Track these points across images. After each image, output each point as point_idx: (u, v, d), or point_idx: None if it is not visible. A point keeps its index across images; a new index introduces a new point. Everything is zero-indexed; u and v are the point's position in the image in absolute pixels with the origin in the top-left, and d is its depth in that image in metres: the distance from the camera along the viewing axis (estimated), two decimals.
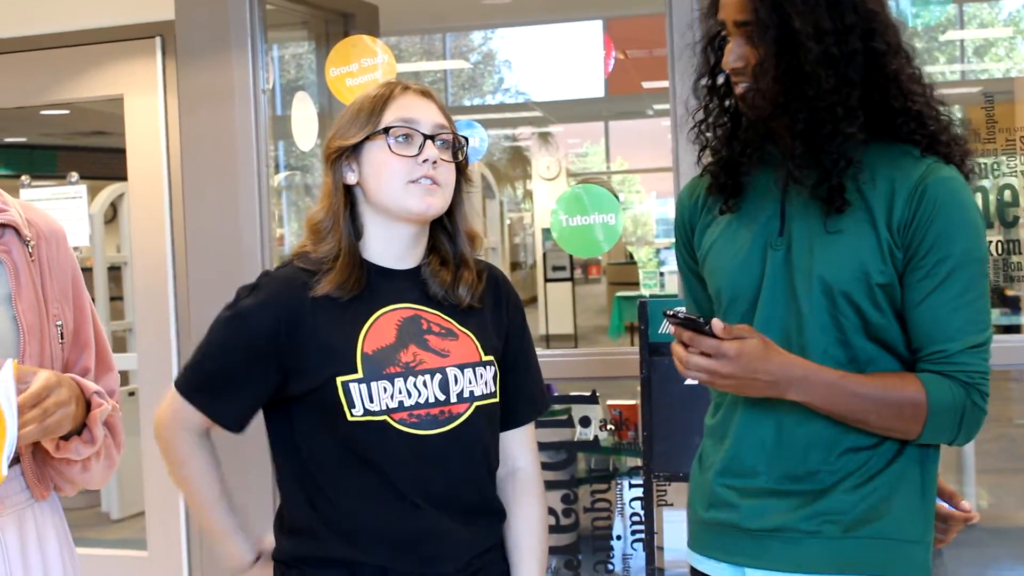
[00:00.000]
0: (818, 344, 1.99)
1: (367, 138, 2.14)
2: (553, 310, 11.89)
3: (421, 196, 2.11)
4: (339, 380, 2.07)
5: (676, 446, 3.60)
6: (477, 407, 2.15)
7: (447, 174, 2.15)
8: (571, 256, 11.67)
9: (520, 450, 2.29)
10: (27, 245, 2.00)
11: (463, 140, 2.20)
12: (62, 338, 2.02)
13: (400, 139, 2.12)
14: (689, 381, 3.49)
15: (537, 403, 2.33)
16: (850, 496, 1.99)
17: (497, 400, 2.21)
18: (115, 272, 7.11)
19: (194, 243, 4.36)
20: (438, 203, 2.14)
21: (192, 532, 4.90)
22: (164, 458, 2.25)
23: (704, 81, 2.15)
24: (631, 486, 4.25)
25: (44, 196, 5.26)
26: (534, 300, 12.09)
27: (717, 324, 1.91)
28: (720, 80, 2.13)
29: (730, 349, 1.90)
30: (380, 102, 2.16)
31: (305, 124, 4.35)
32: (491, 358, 2.20)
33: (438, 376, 2.12)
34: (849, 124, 1.96)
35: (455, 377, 2.13)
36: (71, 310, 2.07)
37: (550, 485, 4.21)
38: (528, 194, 13.04)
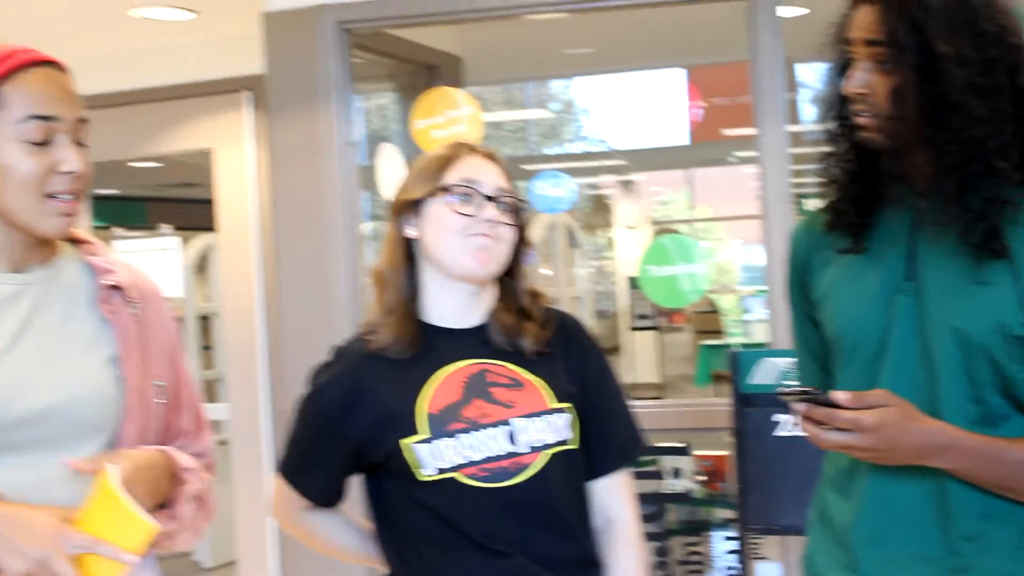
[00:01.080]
0: (951, 400, 1.83)
1: (430, 194, 2.16)
2: (638, 359, 11.79)
3: (475, 254, 2.13)
4: (405, 443, 2.09)
5: (771, 498, 3.54)
6: (551, 455, 2.12)
7: (506, 236, 2.16)
8: (656, 305, 11.60)
9: (612, 499, 2.23)
10: (132, 307, 2.01)
11: (523, 203, 2.21)
12: (162, 399, 2.03)
13: (462, 198, 2.14)
14: (783, 432, 3.47)
15: (627, 449, 2.28)
16: (996, 571, 1.84)
17: (574, 447, 2.17)
18: (205, 322, 7.19)
19: (285, 293, 4.39)
20: (493, 266, 2.15)
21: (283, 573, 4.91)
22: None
23: (831, 113, 1.99)
24: (725, 539, 4.20)
25: (136, 248, 5.34)
26: (618, 349, 12.02)
27: (839, 395, 1.76)
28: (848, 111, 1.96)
29: (868, 422, 1.75)
30: (445, 161, 2.18)
31: (390, 175, 4.38)
32: (564, 405, 2.16)
33: (504, 428, 2.11)
34: (1003, 159, 1.80)
35: (523, 427, 2.11)
36: (170, 371, 2.09)
37: None
38: (610, 242, 13.00)
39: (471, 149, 2.22)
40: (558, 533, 2.14)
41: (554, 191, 4.30)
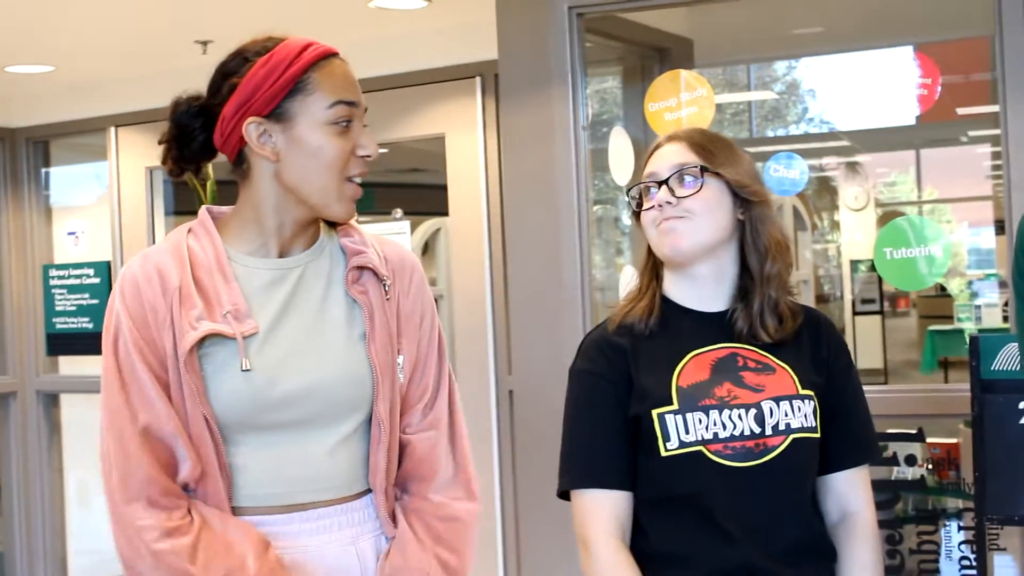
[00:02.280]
0: None
1: (636, 202, 2.29)
2: (862, 344, 11.55)
3: (663, 240, 2.20)
4: (655, 412, 2.13)
5: (1011, 488, 3.43)
6: (795, 439, 2.14)
7: (694, 207, 2.19)
8: (881, 288, 11.34)
9: (852, 494, 2.24)
10: (383, 284, 2.08)
11: (700, 170, 2.21)
12: (402, 371, 2.09)
13: (647, 194, 2.25)
14: None
15: (868, 447, 2.29)
16: None
17: (817, 435, 2.18)
18: None
19: (515, 276, 4.46)
20: (684, 244, 2.19)
21: (508, 556, 4.99)
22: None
23: None
24: (960, 528, 4.09)
25: (370, 232, 5.47)
26: (841, 333, 11.82)
27: None
28: None
29: None
30: (644, 162, 2.30)
31: (622, 158, 4.39)
32: (810, 392, 2.18)
33: (753, 410, 2.13)
34: None
35: (771, 410, 2.13)
36: (416, 344, 2.12)
37: None
38: (835, 224, 12.76)
39: (659, 144, 2.30)
40: (796, 519, 2.16)
41: (788, 173, 4.25)
